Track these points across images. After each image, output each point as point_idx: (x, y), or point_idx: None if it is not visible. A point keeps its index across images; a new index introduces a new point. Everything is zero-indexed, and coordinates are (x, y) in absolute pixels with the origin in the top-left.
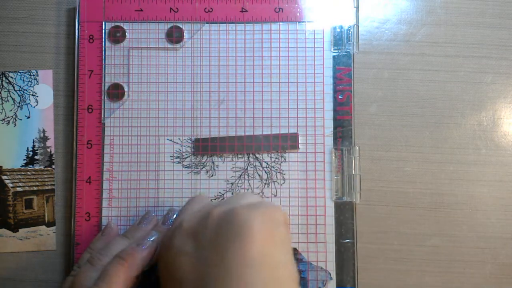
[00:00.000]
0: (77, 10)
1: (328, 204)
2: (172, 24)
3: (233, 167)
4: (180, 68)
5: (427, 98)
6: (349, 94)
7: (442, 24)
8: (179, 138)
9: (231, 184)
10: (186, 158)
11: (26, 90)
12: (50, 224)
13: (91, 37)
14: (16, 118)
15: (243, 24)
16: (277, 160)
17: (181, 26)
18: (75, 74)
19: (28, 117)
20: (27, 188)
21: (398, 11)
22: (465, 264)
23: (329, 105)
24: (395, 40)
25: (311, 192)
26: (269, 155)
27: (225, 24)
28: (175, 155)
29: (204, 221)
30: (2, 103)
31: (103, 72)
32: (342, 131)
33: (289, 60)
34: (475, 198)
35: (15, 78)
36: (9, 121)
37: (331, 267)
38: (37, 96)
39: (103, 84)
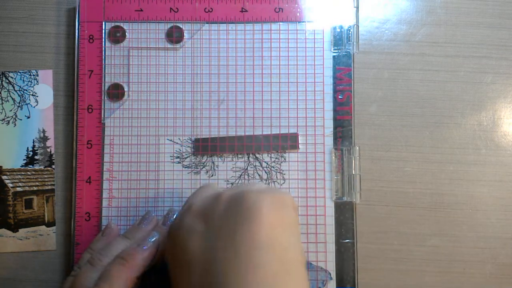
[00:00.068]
0: (77, 10)
1: (328, 204)
2: (172, 24)
3: (233, 167)
4: (180, 68)
5: (427, 98)
6: (349, 94)
7: (442, 24)
8: (179, 138)
9: (231, 184)
10: (186, 158)
11: (26, 90)
12: (50, 224)
13: (91, 37)
14: (16, 118)
15: (243, 24)
16: (277, 160)
17: (181, 26)
18: (75, 74)
19: (28, 117)
20: (27, 188)
21: (398, 11)
22: (465, 264)
23: (329, 105)
24: (395, 40)
25: (311, 192)
26: (269, 155)
27: (225, 24)
28: (175, 155)
29: (214, 204)
30: (2, 103)
31: (103, 72)
32: (342, 131)
33: (289, 60)
34: (475, 198)
35: (15, 78)
36: (9, 121)
37: (331, 267)
38: (37, 96)
39: (103, 84)
